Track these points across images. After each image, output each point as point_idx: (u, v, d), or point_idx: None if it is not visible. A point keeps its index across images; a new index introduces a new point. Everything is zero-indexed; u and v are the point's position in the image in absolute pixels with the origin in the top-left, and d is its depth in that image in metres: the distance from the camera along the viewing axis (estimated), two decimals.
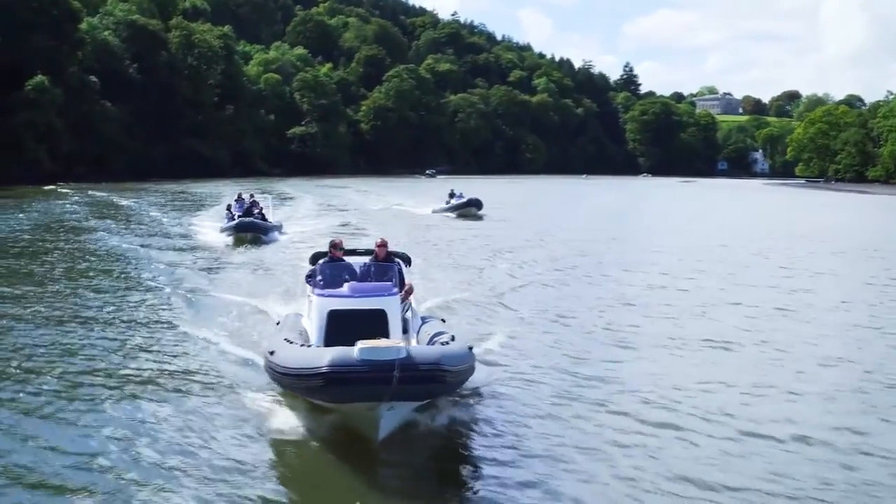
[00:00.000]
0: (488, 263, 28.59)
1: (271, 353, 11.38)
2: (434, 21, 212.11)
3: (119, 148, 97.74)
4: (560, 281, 24.73)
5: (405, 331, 13.61)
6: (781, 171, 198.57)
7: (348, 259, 14.30)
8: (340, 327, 11.88)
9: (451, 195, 54.85)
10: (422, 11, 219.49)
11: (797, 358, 15.58)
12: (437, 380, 10.29)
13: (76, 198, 57.54)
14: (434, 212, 53.85)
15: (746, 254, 33.84)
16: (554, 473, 9.97)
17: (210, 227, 36.27)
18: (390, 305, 12.40)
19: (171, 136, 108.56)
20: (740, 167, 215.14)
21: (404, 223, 46.19)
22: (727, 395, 13.09)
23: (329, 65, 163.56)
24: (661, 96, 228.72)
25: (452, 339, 12.13)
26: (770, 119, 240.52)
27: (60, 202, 53.00)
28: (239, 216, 34.66)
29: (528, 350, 15.86)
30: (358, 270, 13.48)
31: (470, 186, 66.29)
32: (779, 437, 11.18)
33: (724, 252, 34.33)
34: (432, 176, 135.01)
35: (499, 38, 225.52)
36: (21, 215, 42.24)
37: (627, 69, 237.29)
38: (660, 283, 25.00)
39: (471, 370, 11.50)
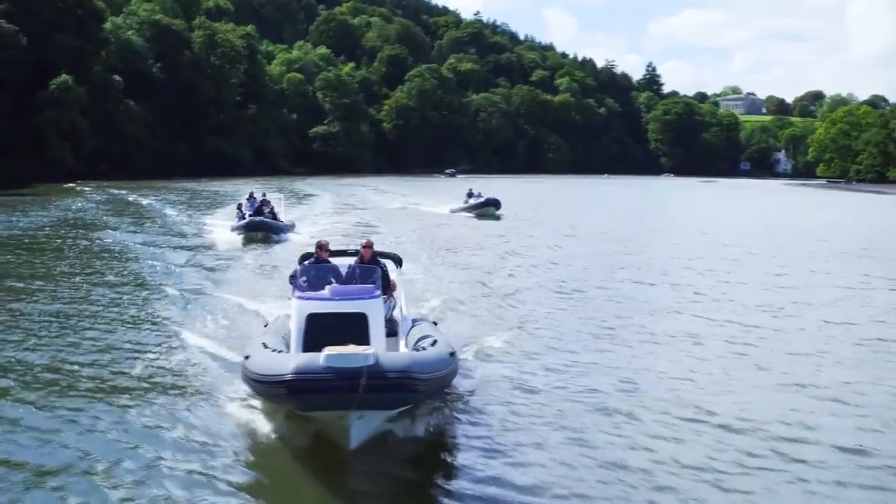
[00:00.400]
0: (498, 264, 28.32)
1: (246, 357, 11.08)
2: (457, 21, 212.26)
3: (142, 146, 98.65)
4: (567, 284, 24.34)
5: (394, 333, 13.44)
6: (804, 171, 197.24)
7: (335, 260, 14.00)
8: (320, 331, 11.42)
9: (470, 195, 54.54)
10: (444, 11, 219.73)
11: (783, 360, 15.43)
12: (407, 388, 9.92)
13: (95, 196, 58.24)
14: (452, 211, 53.65)
15: (741, 253, 33.88)
16: (535, 487, 9.59)
17: (222, 226, 36.13)
18: (372, 308, 11.95)
19: (194, 135, 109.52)
20: (763, 167, 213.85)
21: (419, 222, 46.18)
22: (731, 396, 13.00)
23: (351, 64, 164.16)
24: (685, 96, 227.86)
25: (435, 343, 11.77)
26: (794, 119, 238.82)
27: (78, 200, 53.56)
28: (249, 215, 34.53)
29: (523, 355, 15.43)
30: (343, 272, 13.10)
31: (489, 186, 66.16)
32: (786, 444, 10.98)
33: (728, 251, 34.33)
34: (452, 175, 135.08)
35: (521, 37, 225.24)
36: (40, 212, 42.84)
37: (650, 69, 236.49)
38: (668, 284, 24.81)
39: (451, 376, 11.21)
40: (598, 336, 17.19)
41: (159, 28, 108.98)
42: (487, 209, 52.20)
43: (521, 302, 20.90)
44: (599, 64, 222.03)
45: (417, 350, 11.39)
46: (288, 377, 9.83)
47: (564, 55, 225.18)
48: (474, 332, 16.93)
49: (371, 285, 12.35)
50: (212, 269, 24.65)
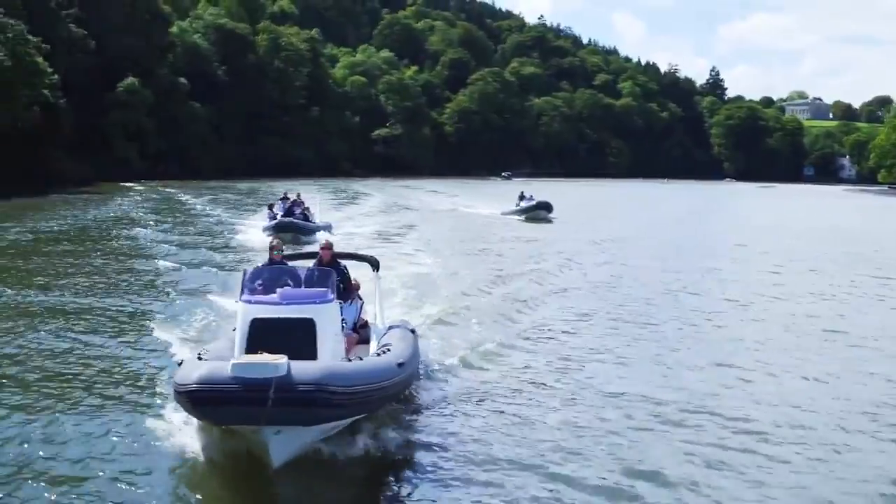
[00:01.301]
0: (524, 268, 27.46)
1: (179, 363, 10.43)
2: (520, 25, 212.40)
3: (206, 148, 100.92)
4: (591, 293, 22.99)
5: (366, 340, 12.98)
6: (869, 177, 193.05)
7: (296, 263, 13.48)
8: (265, 337, 10.49)
9: (521, 197, 53.79)
10: (508, 15, 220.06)
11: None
12: (323, 403, 9.09)
13: (149, 195, 60.12)
14: (503, 214, 53.03)
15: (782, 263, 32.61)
16: None
17: (257, 227, 35.70)
18: (321, 314, 10.99)
19: (258, 137, 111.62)
20: (827, 173, 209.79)
21: (464, 223, 46.33)
22: (730, 406, 12.59)
23: (414, 68, 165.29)
24: (751, 101, 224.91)
25: (387, 351, 11.29)
26: (860, 125, 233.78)
27: (132, 199, 55.36)
28: (281, 216, 34.37)
29: (511, 368, 14.35)
30: (303, 275, 12.05)
31: (546, 189, 65.43)
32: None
33: (769, 262, 32.67)
34: (508, 178, 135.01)
35: (585, 41, 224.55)
36: (93, 210, 44.84)
37: (714, 73, 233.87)
38: (698, 296, 23.21)
39: (395, 389, 10.60)
40: (600, 357, 15.45)
41: (224, 32, 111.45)
42: (538, 212, 51.40)
43: (532, 309, 20.02)
44: (663, 68, 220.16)
45: (342, 361, 10.54)
46: (192, 387, 9.23)
47: (627, 59, 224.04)
48: (464, 339, 16.09)
49: (324, 289, 11.48)
50: (230, 271, 23.71)
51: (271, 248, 13.28)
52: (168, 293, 20.16)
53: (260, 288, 11.49)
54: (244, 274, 11.82)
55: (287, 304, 11.01)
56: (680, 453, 10.52)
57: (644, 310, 20.34)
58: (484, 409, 12.15)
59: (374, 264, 14.66)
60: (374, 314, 14.10)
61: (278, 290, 11.30)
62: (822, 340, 17.47)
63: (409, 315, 16.04)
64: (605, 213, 63.84)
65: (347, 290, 13.03)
